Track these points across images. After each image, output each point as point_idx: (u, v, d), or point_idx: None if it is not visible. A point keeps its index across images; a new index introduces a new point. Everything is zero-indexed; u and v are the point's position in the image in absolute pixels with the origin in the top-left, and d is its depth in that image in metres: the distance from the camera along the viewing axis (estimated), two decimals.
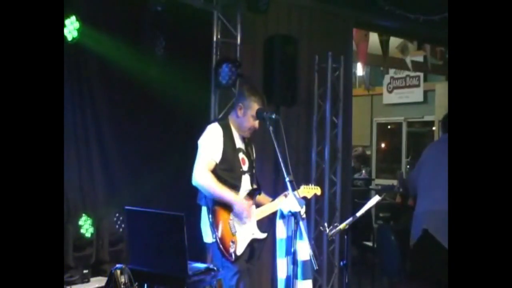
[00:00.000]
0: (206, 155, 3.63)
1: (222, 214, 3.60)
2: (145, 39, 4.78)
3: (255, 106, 3.73)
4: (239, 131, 3.80)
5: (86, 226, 4.36)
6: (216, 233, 3.54)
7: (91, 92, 4.70)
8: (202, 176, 3.58)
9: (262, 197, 3.90)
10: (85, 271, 4.31)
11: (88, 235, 4.36)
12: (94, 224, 4.42)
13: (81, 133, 4.63)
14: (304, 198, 3.99)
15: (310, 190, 4.01)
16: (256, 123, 3.78)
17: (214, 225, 3.56)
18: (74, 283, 4.23)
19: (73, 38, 4.23)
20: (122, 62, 4.63)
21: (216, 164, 3.64)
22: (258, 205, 3.84)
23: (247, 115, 3.74)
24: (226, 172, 3.66)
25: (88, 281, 4.32)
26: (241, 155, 3.79)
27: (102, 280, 4.19)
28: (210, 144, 3.65)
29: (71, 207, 4.45)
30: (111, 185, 4.79)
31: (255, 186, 3.86)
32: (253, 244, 3.75)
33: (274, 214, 3.66)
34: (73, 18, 4.20)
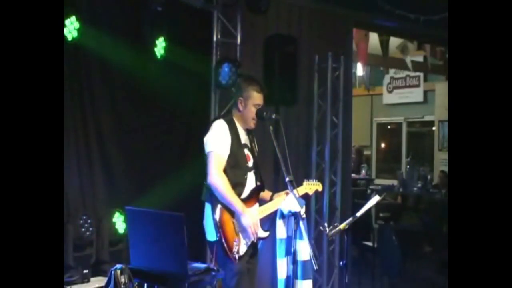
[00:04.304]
0: (216, 154, 3.60)
1: (226, 213, 3.57)
2: (145, 39, 4.78)
3: (255, 95, 3.74)
4: (243, 124, 3.79)
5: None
6: (220, 232, 3.52)
7: (91, 92, 4.70)
8: (217, 177, 3.54)
9: (265, 194, 3.88)
10: (85, 271, 4.31)
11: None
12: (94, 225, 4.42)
13: (81, 133, 4.63)
14: (306, 194, 3.99)
15: (312, 187, 4.00)
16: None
17: (218, 224, 3.53)
18: (74, 283, 4.23)
19: (73, 38, 4.23)
20: (122, 62, 4.63)
21: (225, 161, 3.63)
22: (261, 202, 3.82)
23: (249, 106, 3.74)
24: (232, 169, 3.63)
25: (88, 281, 4.32)
26: (246, 151, 3.77)
27: (102, 280, 4.19)
28: (218, 141, 3.63)
29: (71, 207, 4.46)
30: (111, 185, 4.79)
31: (259, 183, 3.84)
32: (256, 242, 3.74)
33: (275, 214, 3.65)
34: (73, 18, 4.20)
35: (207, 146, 3.64)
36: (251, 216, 3.58)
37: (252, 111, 3.73)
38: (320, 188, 4.05)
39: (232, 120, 3.77)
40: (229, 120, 3.75)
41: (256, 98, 3.74)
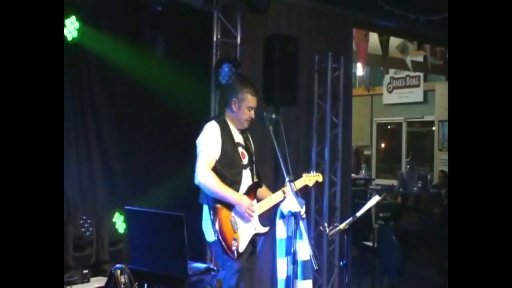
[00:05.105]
0: (206, 154, 3.64)
1: (223, 212, 3.60)
2: (145, 39, 4.78)
3: (249, 97, 3.77)
4: (237, 125, 3.82)
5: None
6: (218, 231, 3.54)
7: (91, 92, 4.70)
8: (204, 175, 3.59)
9: (263, 191, 3.90)
10: (85, 271, 4.31)
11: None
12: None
13: (81, 133, 4.64)
14: (306, 187, 4.00)
15: (311, 178, 4.01)
16: (252, 113, 3.79)
17: (215, 223, 3.55)
18: (74, 283, 4.23)
19: (73, 38, 4.24)
20: (122, 62, 4.64)
21: (216, 161, 3.65)
22: (259, 199, 3.84)
23: (242, 108, 3.77)
24: (226, 168, 3.67)
25: (88, 281, 4.32)
26: (240, 149, 3.81)
27: (102, 280, 4.19)
28: (208, 142, 3.67)
29: (71, 207, 4.46)
30: (111, 185, 4.79)
31: (256, 180, 3.86)
32: (255, 239, 3.76)
33: (275, 210, 3.66)
34: (73, 18, 4.21)
35: (198, 147, 3.70)
36: (245, 202, 3.62)
37: (245, 113, 3.77)
38: (320, 179, 4.05)
39: (224, 120, 3.80)
40: (220, 121, 3.79)
41: (250, 100, 3.77)
